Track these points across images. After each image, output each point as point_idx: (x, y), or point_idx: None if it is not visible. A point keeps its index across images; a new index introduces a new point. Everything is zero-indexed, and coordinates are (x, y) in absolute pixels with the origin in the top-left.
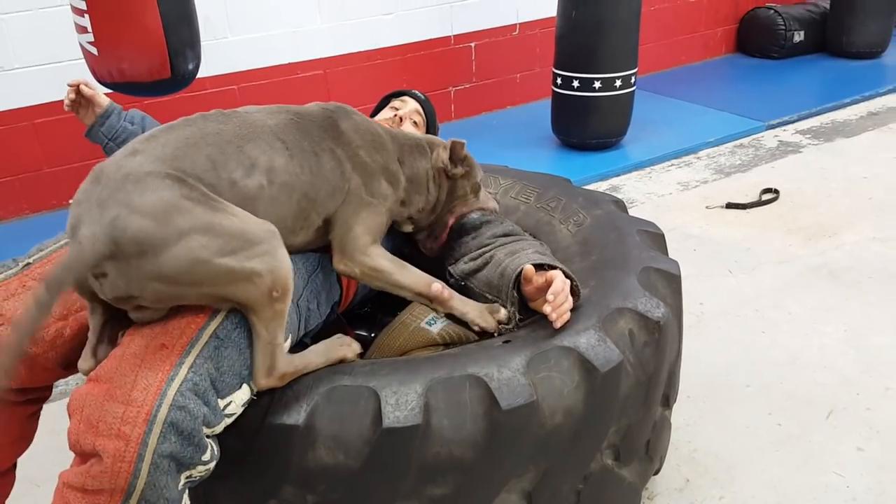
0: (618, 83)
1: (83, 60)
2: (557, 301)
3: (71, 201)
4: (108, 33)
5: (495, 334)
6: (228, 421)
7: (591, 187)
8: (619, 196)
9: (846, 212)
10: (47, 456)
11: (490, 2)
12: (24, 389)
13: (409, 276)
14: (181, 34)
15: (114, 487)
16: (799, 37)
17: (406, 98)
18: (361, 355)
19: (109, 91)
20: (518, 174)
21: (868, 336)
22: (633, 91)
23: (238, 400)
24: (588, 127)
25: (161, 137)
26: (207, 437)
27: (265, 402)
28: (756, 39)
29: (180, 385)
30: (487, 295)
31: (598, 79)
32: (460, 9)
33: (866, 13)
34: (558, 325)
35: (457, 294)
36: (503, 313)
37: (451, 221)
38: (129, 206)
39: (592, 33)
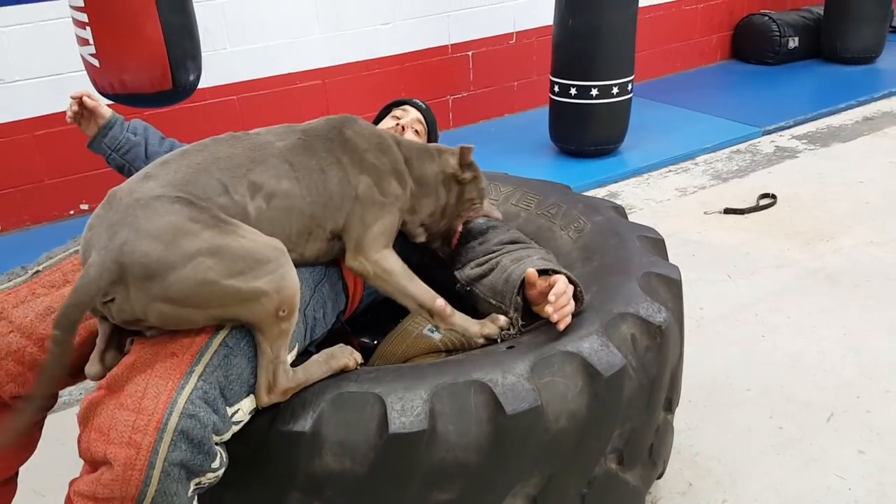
0: (615, 90)
1: (84, 72)
2: (559, 302)
3: (85, 225)
4: (110, 45)
5: (498, 340)
6: (236, 428)
7: (589, 194)
8: (618, 202)
9: (843, 216)
10: (51, 466)
11: (487, 11)
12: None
13: (417, 287)
14: (182, 45)
15: (124, 495)
16: (793, 43)
17: (407, 107)
18: (364, 363)
19: (111, 102)
20: (518, 181)
21: (867, 339)
22: (630, 98)
23: (245, 407)
24: (586, 134)
25: (174, 163)
26: (216, 444)
27: (272, 410)
28: (751, 46)
29: (190, 393)
30: (492, 300)
31: (595, 86)
32: (457, 18)
33: (860, 19)
34: (561, 326)
35: (458, 312)
36: (503, 320)
37: (459, 227)
38: (137, 230)
39: (589, 41)
